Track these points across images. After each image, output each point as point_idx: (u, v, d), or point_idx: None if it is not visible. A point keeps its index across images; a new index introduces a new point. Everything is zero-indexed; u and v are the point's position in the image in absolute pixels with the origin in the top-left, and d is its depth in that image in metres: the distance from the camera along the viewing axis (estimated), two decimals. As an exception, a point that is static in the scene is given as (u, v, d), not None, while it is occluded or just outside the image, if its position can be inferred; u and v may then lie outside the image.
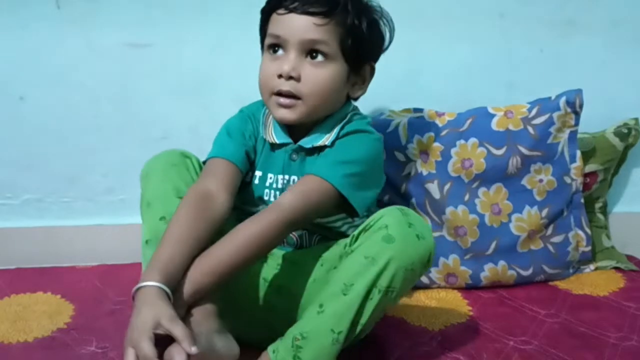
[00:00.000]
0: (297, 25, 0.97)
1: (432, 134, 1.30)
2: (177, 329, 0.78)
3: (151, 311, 0.80)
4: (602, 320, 1.14)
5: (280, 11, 0.98)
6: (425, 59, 1.42)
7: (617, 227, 1.47)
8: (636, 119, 1.43)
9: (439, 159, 1.29)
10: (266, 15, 1.03)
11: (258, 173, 1.06)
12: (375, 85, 1.40)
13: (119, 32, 1.37)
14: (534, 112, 1.29)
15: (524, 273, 1.30)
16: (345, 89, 1.04)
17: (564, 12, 1.43)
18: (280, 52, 1.00)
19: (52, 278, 1.31)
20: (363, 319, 0.89)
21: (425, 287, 1.30)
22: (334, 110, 1.04)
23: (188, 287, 0.87)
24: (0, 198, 1.44)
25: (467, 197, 1.29)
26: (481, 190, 1.29)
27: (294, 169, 1.04)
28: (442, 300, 1.25)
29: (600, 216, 1.44)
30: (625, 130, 1.41)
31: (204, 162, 1.05)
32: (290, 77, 0.98)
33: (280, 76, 0.98)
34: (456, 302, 1.24)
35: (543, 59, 1.44)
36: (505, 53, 1.43)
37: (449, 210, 1.28)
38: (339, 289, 0.89)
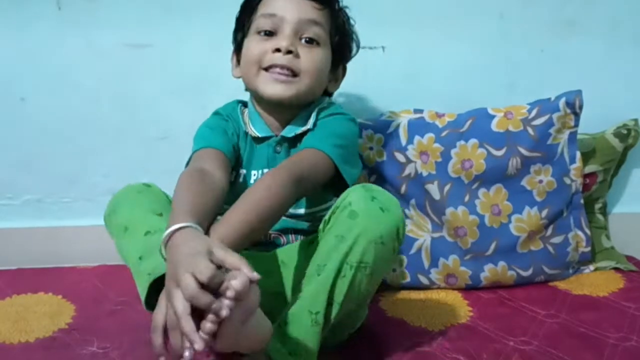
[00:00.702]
0: (297, 5, 1.00)
1: (432, 134, 1.30)
2: (233, 256, 0.73)
3: (200, 241, 0.74)
4: (602, 321, 1.14)
5: None
6: (425, 59, 1.42)
7: (616, 228, 1.47)
8: (636, 120, 1.43)
9: (439, 159, 1.29)
10: (254, 2, 1.04)
11: (242, 171, 1.07)
12: (376, 85, 1.41)
13: (119, 32, 1.37)
14: (533, 113, 1.29)
15: (524, 274, 1.30)
16: (327, 78, 1.08)
17: (564, 13, 1.43)
18: (273, 36, 1.01)
19: (53, 278, 1.31)
20: (338, 297, 0.89)
21: (426, 287, 1.31)
22: (315, 98, 1.07)
23: None
24: (0, 198, 1.45)
25: (467, 198, 1.29)
26: (481, 191, 1.29)
27: (278, 162, 1.02)
28: (442, 301, 1.25)
29: (600, 217, 1.44)
30: (625, 131, 1.41)
31: (188, 162, 1.03)
32: (288, 52, 0.99)
33: (277, 50, 0.99)
34: (456, 303, 1.24)
35: (543, 60, 1.44)
36: (505, 53, 1.44)
37: (449, 211, 1.28)
38: (314, 271, 0.90)
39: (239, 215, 0.85)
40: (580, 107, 1.28)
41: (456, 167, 1.28)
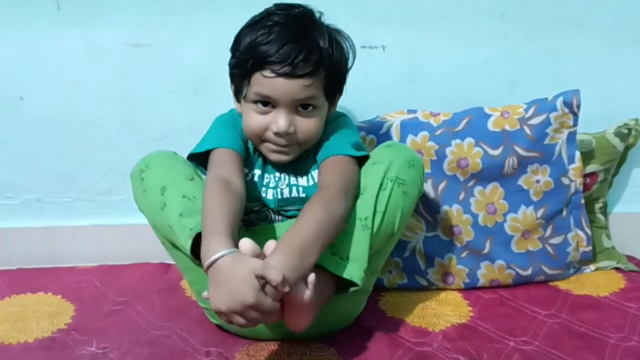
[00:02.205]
0: (287, 89, 1.03)
1: (426, 133, 1.30)
2: (277, 274, 0.84)
3: (251, 267, 0.84)
4: (603, 321, 1.14)
5: (267, 74, 1.02)
6: (425, 59, 1.42)
7: (617, 228, 1.47)
8: (636, 119, 1.43)
9: (434, 157, 1.28)
10: (246, 71, 1.05)
11: (257, 172, 1.13)
12: (376, 85, 1.41)
13: (119, 31, 1.37)
14: (530, 112, 1.29)
15: (523, 273, 1.30)
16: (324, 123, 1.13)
17: (565, 12, 1.43)
18: (269, 106, 1.06)
19: (53, 278, 1.31)
20: (381, 207, 1.02)
21: (425, 288, 1.30)
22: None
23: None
24: (0, 198, 1.44)
25: (462, 196, 1.29)
26: (477, 189, 1.29)
27: (284, 167, 1.13)
28: (443, 301, 1.25)
29: (601, 216, 1.44)
30: (626, 131, 1.40)
31: (191, 155, 1.11)
32: (287, 134, 1.06)
33: (276, 134, 1.06)
34: (457, 303, 1.24)
35: (544, 59, 1.44)
36: (505, 53, 1.43)
37: (443, 209, 1.28)
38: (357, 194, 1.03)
39: (310, 240, 0.92)
40: (578, 107, 1.28)
41: (451, 165, 1.28)
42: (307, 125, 1.07)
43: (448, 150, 1.28)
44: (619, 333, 1.10)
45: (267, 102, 1.05)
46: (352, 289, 1.00)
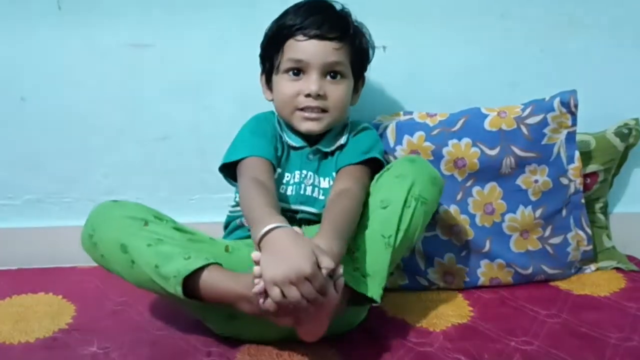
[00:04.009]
0: (319, 50, 1.12)
1: (422, 133, 1.30)
2: (329, 260, 0.87)
3: (307, 241, 0.88)
4: (604, 321, 1.14)
5: (300, 38, 1.12)
6: (426, 59, 1.42)
7: (617, 228, 1.47)
8: (637, 119, 1.43)
9: (431, 157, 1.28)
10: (279, 41, 1.14)
11: (278, 170, 1.17)
12: (376, 85, 1.41)
13: (120, 32, 1.37)
14: (527, 112, 1.28)
15: (523, 272, 1.30)
16: (350, 99, 1.21)
17: (565, 12, 1.42)
18: (300, 75, 1.13)
19: (54, 278, 1.31)
20: (403, 225, 1.03)
21: (425, 288, 1.30)
22: (343, 120, 1.21)
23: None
24: (1, 198, 1.45)
25: (459, 196, 1.29)
26: (475, 189, 1.29)
27: (311, 166, 1.18)
28: (443, 301, 1.25)
29: (601, 216, 1.44)
30: (626, 131, 1.40)
31: (223, 167, 1.14)
32: (318, 96, 1.12)
33: (308, 95, 1.12)
34: (457, 303, 1.24)
35: (544, 59, 1.44)
36: (506, 53, 1.43)
37: (441, 209, 1.29)
38: (377, 206, 1.05)
39: (341, 225, 0.98)
40: (576, 106, 1.27)
41: (449, 165, 1.28)
42: (336, 91, 1.14)
43: (445, 150, 1.28)
44: (620, 333, 1.10)
45: (299, 71, 1.13)
46: (369, 304, 1.02)
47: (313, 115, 1.14)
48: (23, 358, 1.02)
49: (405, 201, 1.04)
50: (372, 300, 1.00)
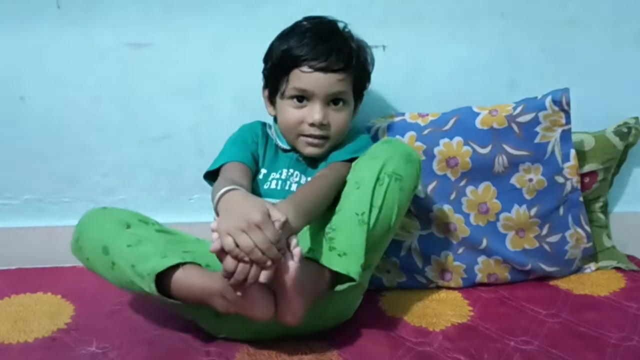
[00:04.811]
0: (324, 82, 1.15)
1: (413, 133, 1.30)
2: (278, 212, 0.91)
3: (259, 198, 0.94)
4: (604, 321, 1.14)
5: (305, 70, 1.15)
6: (426, 58, 1.42)
7: (617, 227, 1.46)
8: (636, 118, 1.43)
9: (422, 157, 1.28)
10: (284, 69, 1.17)
11: (263, 171, 1.21)
12: (376, 86, 1.41)
13: (119, 31, 1.36)
14: (518, 110, 1.28)
15: (520, 268, 1.30)
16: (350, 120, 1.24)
17: (565, 11, 1.42)
18: (304, 101, 1.17)
19: (53, 278, 1.31)
20: (377, 202, 1.04)
21: (423, 286, 1.31)
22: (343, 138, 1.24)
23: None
24: (0, 198, 1.45)
25: (453, 196, 1.29)
26: (469, 189, 1.29)
27: (299, 167, 1.22)
28: (443, 301, 1.25)
29: (601, 216, 1.44)
30: (626, 130, 1.40)
31: (208, 173, 1.18)
32: (321, 124, 1.17)
33: (312, 125, 1.16)
34: (457, 303, 1.24)
35: (544, 58, 1.44)
36: (506, 52, 1.43)
37: (435, 208, 1.29)
38: (352, 187, 1.06)
39: (301, 197, 1.03)
40: (568, 104, 1.26)
41: (441, 165, 1.28)
42: (339, 118, 1.18)
43: (436, 150, 1.28)
44: (620, 333, 1.10)
45: (303, 98, 1.17)
46: (348, 283, 1.02)
47: (316, 141, 1.18)
48: (22, 358, 1.02)
49: (378, 179, 1.05)
50: (350, 279, 1.01)
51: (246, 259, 0.88)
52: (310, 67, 1.14)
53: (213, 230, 0.91)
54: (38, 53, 1.37)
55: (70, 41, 1.36)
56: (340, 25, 1.21)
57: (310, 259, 1.01)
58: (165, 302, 1.01)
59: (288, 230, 0.93)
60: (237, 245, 0.88)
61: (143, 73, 1.39)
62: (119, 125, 1.42)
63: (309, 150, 1.19)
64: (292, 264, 0.92)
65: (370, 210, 1.03)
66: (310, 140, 1.18)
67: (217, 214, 0.94)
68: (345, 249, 1.02)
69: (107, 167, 1.44)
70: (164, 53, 1.39)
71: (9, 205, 1.45)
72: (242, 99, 1.39)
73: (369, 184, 1.04)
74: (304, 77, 1.15)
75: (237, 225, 0.88)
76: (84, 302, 1.21)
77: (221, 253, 0.90)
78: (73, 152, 1.42)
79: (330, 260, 1.01)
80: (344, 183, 1.10)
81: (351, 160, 1.16)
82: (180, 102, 1.41)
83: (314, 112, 1.16)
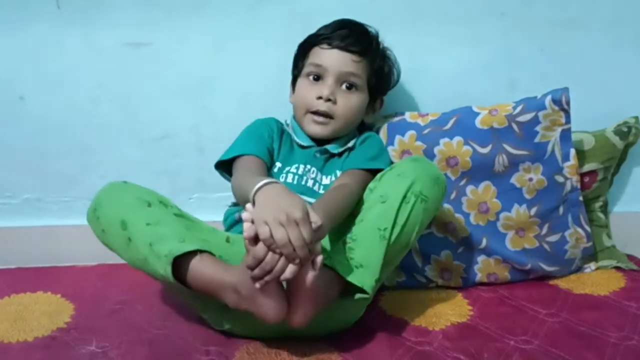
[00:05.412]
0: (338, 59, 1.21)
1: (413, 132, 1.30)
2: (316, 215, 0.92)
3: (299, 197, 0.93)
4: (603, 320, 1.14)
5: (324, 46, 1.22)
6: (425, 59, 1.42)
7: (617, 227, 1.46)
8: (636, 118, 1.43)
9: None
10: (307, 48, 1.25)
11: (278, 164, 1.23)
12: (376, 84, 1.40)
13: (119, 31, 1.37)
14: (518, 110, 1.28)
15: (520, 268, 1.30)
16: (363, 114, 1.28)
17: (565, 11, 1.42)
18: (319, 80, 1.22)
19: (52, 277, 1.31)
20: (401, 220, 1.03)
21: (423, 285, 1.31)
22: (350, 131, 1.28)
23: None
24: (0, 197, 1.45)
25: (453, 195, 1.29)
26: (469, 188, 1.30)
27: (316, 163, 1.24)
28: (442, 300, 1.25)
29: (601, 215, 1.44)
30: (626, 129, 1.40)
31: (219, 163, 1.20)
32: (328, 99, 1.20)
33: (319, 98, 1.20)
34: (456, 302, 1.24)
35: (544, 58, 1.44)
36: (506, 52, 1.43)
37: None
38: (376, 201, 1.06)
39: (331, 204, 1.05)
40: (568, 104, 1.26)
41: (441, 164, 1.28)
42: (347, 100, 1.22)
43: (436, 149, 1.28)
44: (620, 332, 1.10)
45: (318, 77, 1.22)
46: (359, 295, 1.01)
47: (320, 119, 1.21)
48: (21, 357, 1.02)
49: (405, 197, 1.04)
50: (363, 291, 1.01)
51: (277, 251, 0.88)
52: (328, 44, 1.21)
53: (244, 220, 0.90)
54: (38, 53, 1.37)
55: (70, 41, 1.37)
56: (369, 28, 1.27)
57: (327, 266, 1.00)
58: (173, 287, 1.01)
59: (320, 236, 0.93)
60: (271, 236, 0.88)
61: (143, 73, 1.40)
62: (118, 125, 1.42)
63: (313, 129, 1.22)
64: (312, 273, 0.92)
65: (393, 227, 1.03)
66: (315, 117, 1.21)
67: (253, 203, 0.93)
68: (363, 262, 1.01)
69: (107, 166, 1.44)
70: (164, 53, 1.39)
71: (9, 204, 1.45)
72: (242, 99, 1.39)
73: (395, 201, 1.04)
74: (321, 53, 1.22)
75: (276, 217, 0.88)
76: (83, 301, 1.21)
77: (252, 241, 0.90)
78: (73, 152, 1.42)
79: (347, 271, 1.00)
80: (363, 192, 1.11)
81: (370, 170, 1.18)
82: (180, 102, 1.41)
83: (324, 87, 1.20)
